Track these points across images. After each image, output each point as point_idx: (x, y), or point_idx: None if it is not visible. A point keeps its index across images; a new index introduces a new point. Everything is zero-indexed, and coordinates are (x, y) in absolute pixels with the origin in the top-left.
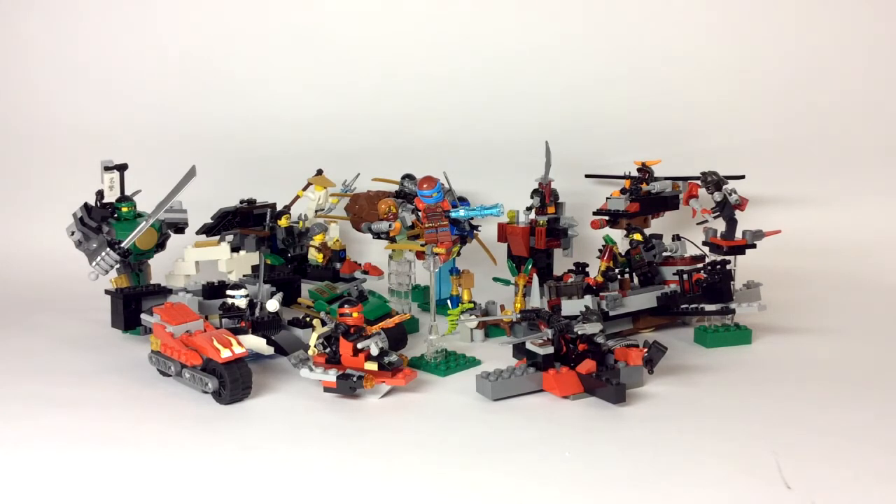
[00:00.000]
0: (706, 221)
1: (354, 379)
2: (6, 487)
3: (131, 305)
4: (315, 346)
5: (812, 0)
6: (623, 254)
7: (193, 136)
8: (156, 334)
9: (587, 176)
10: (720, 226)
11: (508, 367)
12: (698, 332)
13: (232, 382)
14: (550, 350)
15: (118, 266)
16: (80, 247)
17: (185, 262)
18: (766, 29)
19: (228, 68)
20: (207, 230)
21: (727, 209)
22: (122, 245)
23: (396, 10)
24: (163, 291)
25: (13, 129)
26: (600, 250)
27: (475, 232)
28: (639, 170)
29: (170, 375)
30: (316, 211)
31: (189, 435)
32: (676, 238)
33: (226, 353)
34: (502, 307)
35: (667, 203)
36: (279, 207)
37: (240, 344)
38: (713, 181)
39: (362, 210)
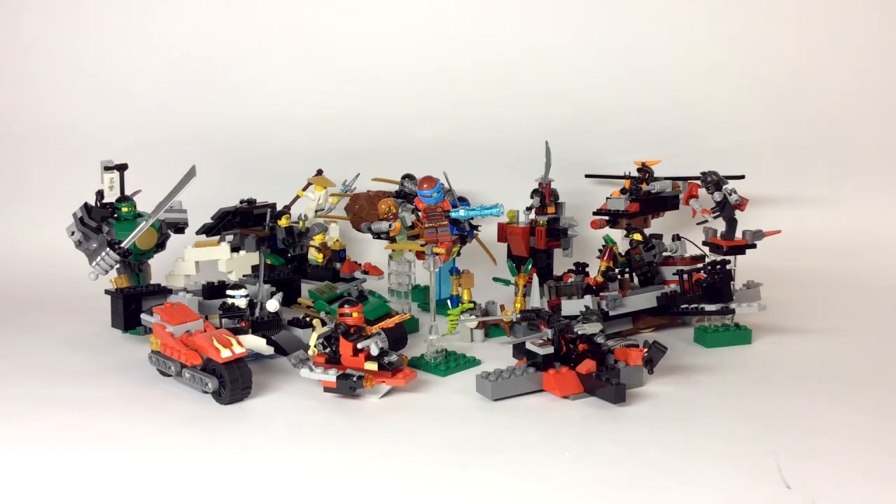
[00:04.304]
0: (706, 221)
1: (354, 379)
2: (6, 487)
3: (131, 305)
4: (315, 346)
5: (812, 0)
6: (623, 254)
7: (193, 136)
8: (156, 334)
9: (587, 176)
10: (720, 226)
11: (508, 367)
12: (698, 332)
13: (232, 382)
14: (550, 350)
15: (118, 266)
16: (80, 247)
17: (185, 262)
18: (767, 29)
19: (229, 68)
20: (207, 230)
21: (727, 209)
22: (122, 245)
23: (396, 10)
24: (163, 291)
25: (13, 129)
26: (600, 250)
27: (475, 232)
28: (639, 170)
29: (170, 375)
30: (316, 211)
31: (189, 435)
32: (676, 238)
33: (226, 353)
34: (502, 307)
35: (667, 203)
36: (279, 207)
37: (240, 344)
38: (713, 181)
39: (362, 210)
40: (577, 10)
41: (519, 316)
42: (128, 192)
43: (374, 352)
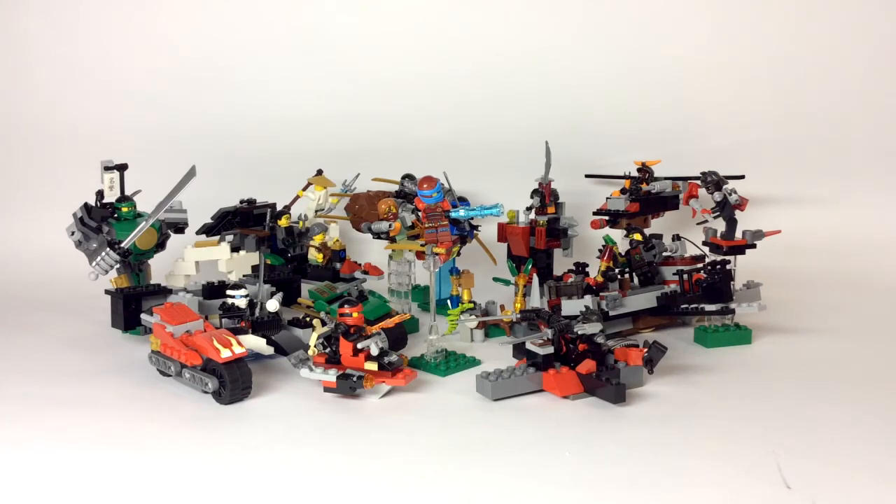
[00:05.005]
0: (706, 221)
1: (354, 379)
2: (6, 487)
3: (131, 305)
4: (315, 346)
5: (812, 0)
6: (623, 254)
7: (193, 136)
8: (156, 334)
9: (587, 176)
10: (720, 226)
11: (508, 367)
12: (698, 332)
13: (232, 382)
14: (550, 350)
15: (118, 266)
16: (80, 247)
17: (185, 262)
18: (767, 29)
19: (229, 68)
20: (207, 230)
21: (727, 209)
22: (122, 245)
23: (397, 11)
24: (163, 291)
25: (13, 129)
26: (600, 250)
27: (475, 232)
28: (639, 170)
29: (170, 375)
30: (316, 211)
31: (189, 435)
32: (676, 238)
33: (226, 353)
34: (502, 307)
35: (667, 203)
36: (279, 207)
37: (240, 344)
38: (713, 181)
39: (362, 210)
40: (577, 11)
41: (519, 316)
42: (128, 192)
43: (374, 352)
